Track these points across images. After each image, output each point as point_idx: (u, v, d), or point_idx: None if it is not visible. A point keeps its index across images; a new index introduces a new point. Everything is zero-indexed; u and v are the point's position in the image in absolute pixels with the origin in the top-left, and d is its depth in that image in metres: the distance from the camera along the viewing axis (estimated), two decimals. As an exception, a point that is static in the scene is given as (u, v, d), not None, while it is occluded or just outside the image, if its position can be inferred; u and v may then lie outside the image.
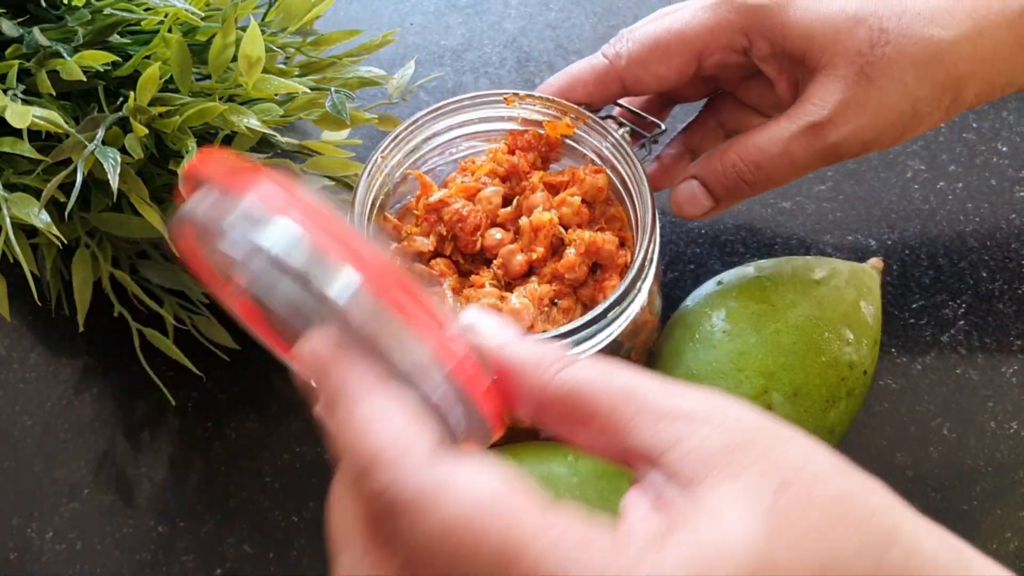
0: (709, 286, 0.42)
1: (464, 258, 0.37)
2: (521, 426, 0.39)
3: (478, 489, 0.21)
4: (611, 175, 0.38)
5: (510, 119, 0.39)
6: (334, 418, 0.23)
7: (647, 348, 0.41)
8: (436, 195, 0.37)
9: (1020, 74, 0.39)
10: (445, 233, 0.36)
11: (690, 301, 0.42)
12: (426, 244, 0.35)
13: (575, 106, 0.38)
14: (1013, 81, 0.39)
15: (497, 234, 0.36)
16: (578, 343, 0.34)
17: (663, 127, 0.41)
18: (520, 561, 0.20)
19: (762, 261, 0.42)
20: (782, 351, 0.38)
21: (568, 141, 0.39)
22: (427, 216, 0.36)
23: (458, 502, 0.21)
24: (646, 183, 0.36)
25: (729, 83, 0.43)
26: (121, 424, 0.45)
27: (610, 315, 0.34)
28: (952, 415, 0.44)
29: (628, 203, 0.37)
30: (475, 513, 0.21)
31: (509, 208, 0.35)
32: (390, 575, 0.22)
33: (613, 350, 0.38)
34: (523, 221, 0.35)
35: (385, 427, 0.22)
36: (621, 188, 0.38)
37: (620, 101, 0.42)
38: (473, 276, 0.35)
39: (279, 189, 0.23)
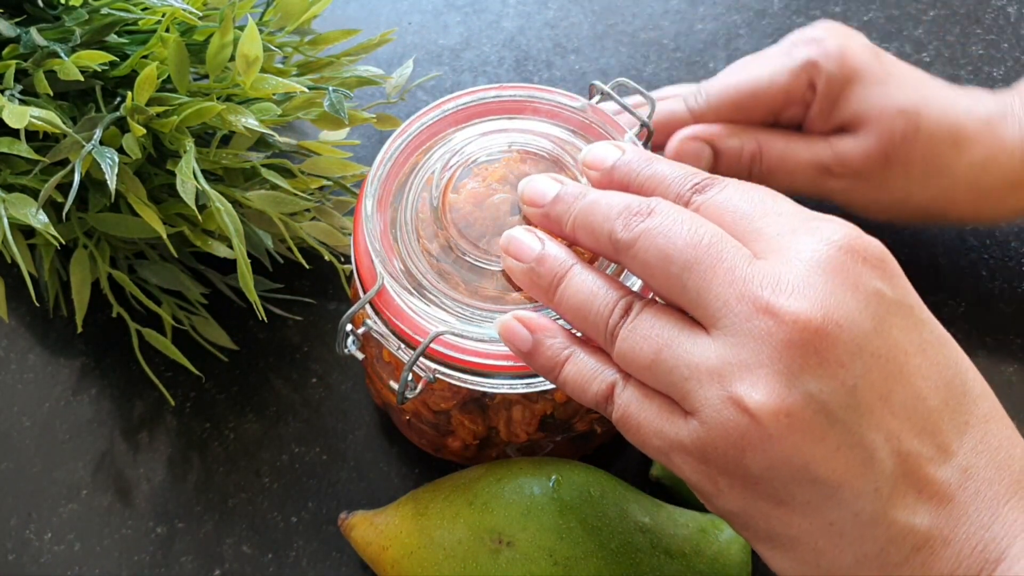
0: None
1: (470, 263, 0.37)
2: (518, 441, 0.39)
3: None
4: None
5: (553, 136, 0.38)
6: (581, 202, 0.32)
7: None
8: (444, 198, 0.37)
9: (1004, 211, 0.44)
10: (452, 236, 0.35)
11: None
12: (433, 246, 0.35)
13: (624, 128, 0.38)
14: (997, 216, 0.44)
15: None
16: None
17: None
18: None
19: None
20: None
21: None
22: (436, 218, 0.36)
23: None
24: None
25: None
26: (119, 424, 0.45)
27: None
28: (952, 414, 0.44)
29: None
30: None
31: (517, 217, 0.35)
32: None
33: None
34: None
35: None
36: None
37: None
38: (475, 283, 0.35)
39: None
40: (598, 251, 0.31)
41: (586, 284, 0.31)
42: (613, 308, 0.30)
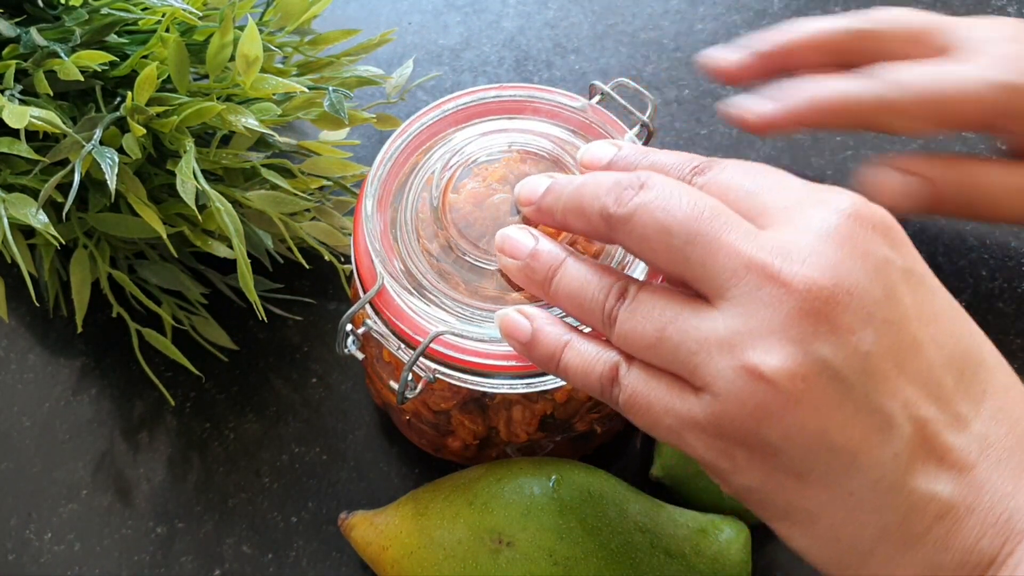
0: None
1: (470, 263, 0.37)
2: (518, 441, 0.39)
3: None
4: None
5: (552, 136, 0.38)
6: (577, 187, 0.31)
7: None
8: (444, 198, 0.37)
9: None
10: (452, 236, 0.35)
11: None
12: (433, 247, 0.35)
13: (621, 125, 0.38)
14: None
15: None
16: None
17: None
18: None
19: None
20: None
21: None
22: (436, 218, 0.36)
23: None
24: None
25: None
26: (119, 424, 0.45)
27: None
28: (952, 414, 0.44)
29: None
30: None
31: (517, 216, 0.35)
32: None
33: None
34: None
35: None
36: None
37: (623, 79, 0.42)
38: (475, 283, 0.35)
39: None
40: (591, 233, 0.31)
41: (580, 272, 0.31)
42: (608, 292, 0.30)
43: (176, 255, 0.42)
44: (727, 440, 0.27)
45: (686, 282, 0.29)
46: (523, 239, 0.32)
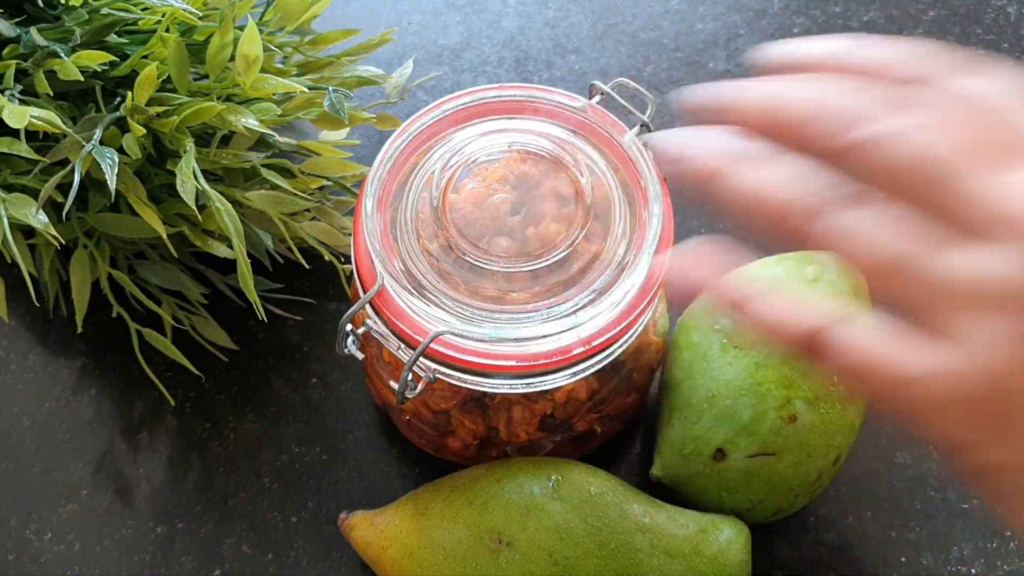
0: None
1: (470, 263, 0.37)
2: (518, 441, 0.39)
3: None
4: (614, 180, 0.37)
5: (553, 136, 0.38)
6: None
7: (651, 368, 0.41)
8: (444, 198, 0.37)
9: None
10: (452, 236, 0.35)
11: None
12: (433, 247, 0.35)
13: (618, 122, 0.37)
14: None
15: (503, 242, 0.36)
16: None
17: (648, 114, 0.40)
18: None
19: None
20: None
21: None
22: (436, 218, 0.36)
23: None
24: (661, 196, 0.35)
25: None
26: (120, 425, 0.45)
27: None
28: (952, 414, 0.44)
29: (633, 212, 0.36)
30: None
31: (517, 217, 0.35)
32: None
33: (615, 369, 0.38)
34: (530, 231, 0.35)
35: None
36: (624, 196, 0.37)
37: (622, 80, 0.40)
38: (475, 283, 0.35)
39: None
40: (803, 142, 0.27)
41: (788, 166, 0.27)
42: (832, 185, 0.26)
43: (176, 255, 0.42)
44: (987, 401, 0.24)
45: (934, 213, 0.25)
46: (704, 134, 0.29)
